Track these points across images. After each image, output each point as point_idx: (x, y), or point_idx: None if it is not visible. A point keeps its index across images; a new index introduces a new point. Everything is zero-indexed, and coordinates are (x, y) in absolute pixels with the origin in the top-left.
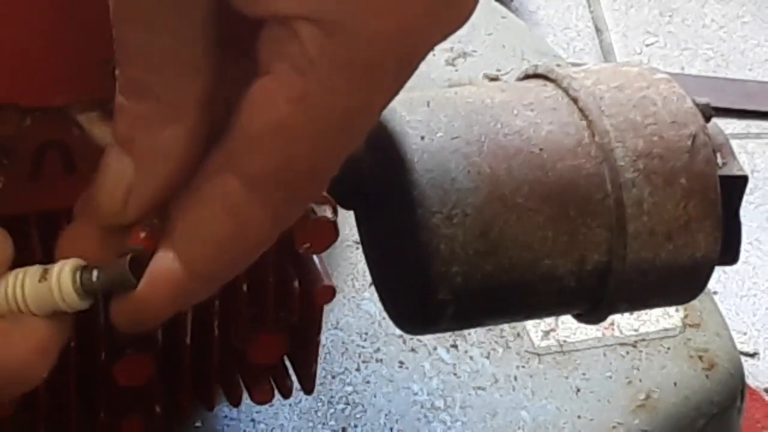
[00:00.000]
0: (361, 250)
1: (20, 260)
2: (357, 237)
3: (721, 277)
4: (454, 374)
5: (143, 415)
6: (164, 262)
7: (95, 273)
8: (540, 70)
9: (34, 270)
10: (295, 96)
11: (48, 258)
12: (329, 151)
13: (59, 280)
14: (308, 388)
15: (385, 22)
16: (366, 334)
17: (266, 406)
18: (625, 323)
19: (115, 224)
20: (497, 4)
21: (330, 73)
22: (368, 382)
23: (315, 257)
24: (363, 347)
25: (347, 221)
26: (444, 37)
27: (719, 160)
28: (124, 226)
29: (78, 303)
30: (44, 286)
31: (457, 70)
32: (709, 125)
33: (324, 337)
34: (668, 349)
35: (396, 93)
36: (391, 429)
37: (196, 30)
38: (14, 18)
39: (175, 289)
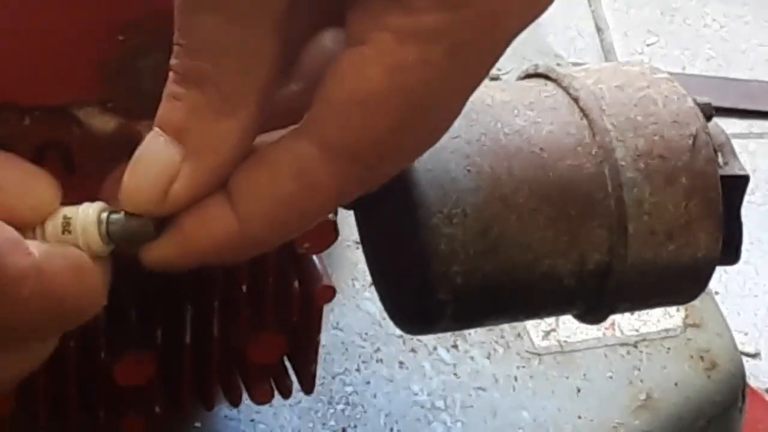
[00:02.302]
0: (361, 250)
1: None
2: (357, 237)
3: (722, 277)
4: (455, 374)
5: (143, 415)
6: (219, 208)
7: (117, 217)
8: (541, 70)
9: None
10: (393, 65)
11: None
12: (414, 131)
13: (84, 224)
14: (308, 388)
15: (497, 2)
16: (366, 334)
17: (266, 406)
18: (625, 323)
19: (146, 212)
20: None
21: (433, 46)
22: (368, 383)
23: (315, 257)
24: (363, 347)
25: (347, 221)
26: (531, 21)
27: (720, 160)
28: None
29: (101, 247)
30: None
31: None
32: (710, 125)
33: (324, 338)
34: (669, 349)
35: (483, 79)
36: (391, 429)
37: (270, 21)
38: (13, 18)
39: (223, 239)
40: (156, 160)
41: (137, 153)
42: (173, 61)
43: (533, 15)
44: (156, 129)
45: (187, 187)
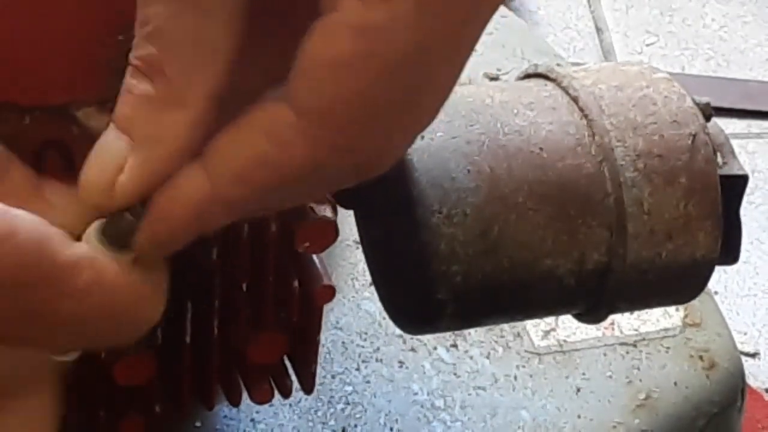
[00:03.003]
0: (361, 250)
1: None
2: (357, 237)
3: (721, 277)
4: (454, 374)
5: (143, 415)
6: (189, 176)
7: (106, 224)
8: (540, 70)
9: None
10: (360, 25)
11: None
12: (387, 95)
13: (87, 237)
14: (308, 387)
15: None
16: (366, 333)
17: (266, 405)
18: (625, 323)
19: (99, 206)
20: None
21: (401, 1)
22: (368, 382)
23: (315, 257)
24: (363, 347)
25: (347, 221)
26: None
27: (719, 160)
28: (108, 211)
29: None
30: None
31: None
32: (709, 125)
33: (324, 337)
34: (668, 348)
35: (466, 48)
36: (391, 429)
37: (226, 12)
38: (13, 17)
39: (197, 203)
40: (105, 152)
41: (94, 147)
42: (130, 53)
43: None
44: (111, 122)
45: (133, 178)
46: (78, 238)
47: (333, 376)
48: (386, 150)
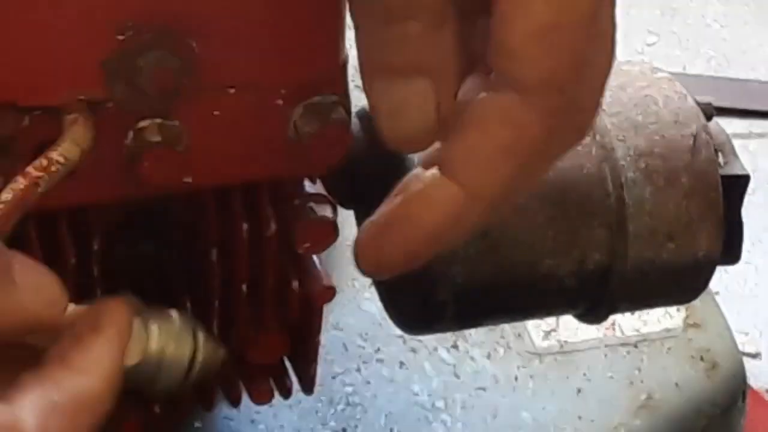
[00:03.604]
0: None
1: None
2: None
3: (722, 277)
4: (455, 374)
5: (143, 415)
6: (441, 187)
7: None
8: None
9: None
10: None
11: (46, 257)
12: (589, 42)
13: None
14: (308, 388)
15: None
16: (366, 334)
17: (266, 406)
18: (626, 323)
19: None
20: None
21: None
22: (368, 383)
23: (315, 257)
24: (363, 347)
25: (347, 221)
26: None
27: (721, 160)
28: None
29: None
30: None
31: None
32: (710, 124)
33: (324, 338)
34: (670, 349)
35: None
36: (392, 429)
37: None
38: (13, 18)
39: (454, 212)
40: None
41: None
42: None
43: None
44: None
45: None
46: None
47: (333, 377)
48: (600, 94)
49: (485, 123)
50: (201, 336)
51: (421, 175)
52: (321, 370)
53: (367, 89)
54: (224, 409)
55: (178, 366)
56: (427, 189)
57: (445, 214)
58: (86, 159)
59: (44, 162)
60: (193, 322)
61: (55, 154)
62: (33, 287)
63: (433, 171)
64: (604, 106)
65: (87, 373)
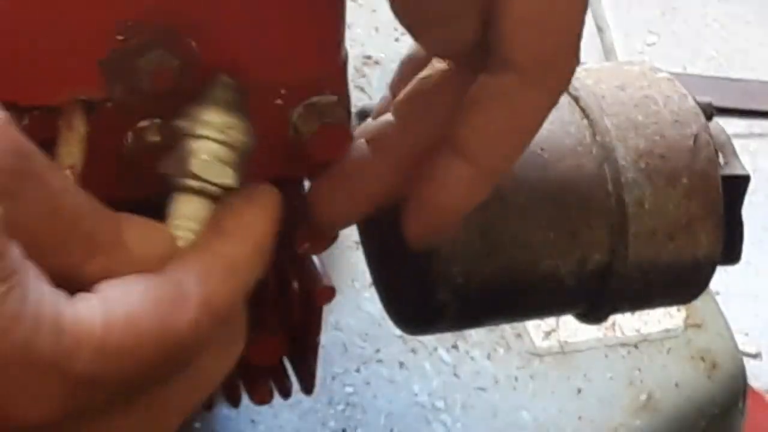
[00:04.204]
0: (361, 250)
1: None
2: (357, 237)
3: (723, 278)
4: (455, 375)
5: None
6: (453, 167)
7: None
8: None
9: None
10: None
11: None
12: (577, 20)
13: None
14: (308, 388)
15: None
16: (366, 334)
17: (266, 406)
18: (626, 324)
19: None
20: None
21: None
22: (368, 383)
23: (315, 258)
24: (363, 348)
25: None
26: None
27: (721, 160)
28: None
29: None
30: None
31: None
32: (710, 125)
33: (324, 338)
34: (670, 349)
35: None
36: (392, 430)
37: None
38: (13, 17)
39: (468, 189)
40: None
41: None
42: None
43: None
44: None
45: None
46: None
47: (333, 377)
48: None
49: (488, 105)
50: None
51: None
52: (321, 370)
53: None
54: (224, 409)
55: None
56: (441, 171)
57: (459, 194)
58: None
59: None
60: None
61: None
62: (141, 240)
63: (437, 159)
64: (604, 106)
65: (240, 239)
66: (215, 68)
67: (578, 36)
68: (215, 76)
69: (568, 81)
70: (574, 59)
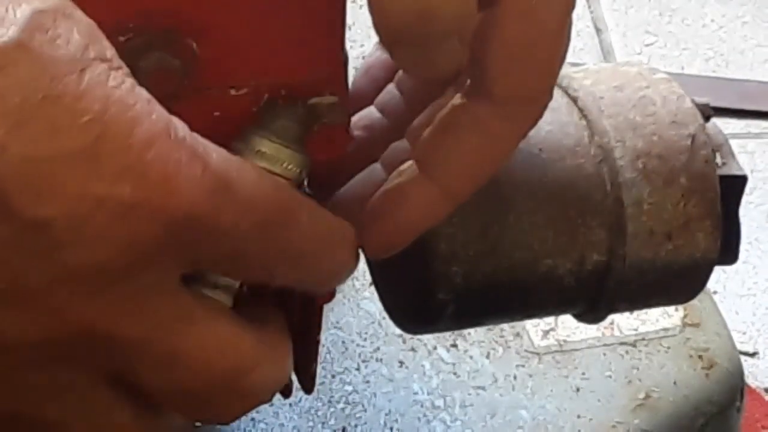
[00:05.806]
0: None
1: None
2: None
3: (720, 277)
4: (454, 374)
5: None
6: (417, 185)
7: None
8: None
9: None
10: (524, 12)
11: None
12: (557, 61)
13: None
14: (308, 387)
15: None
16: (366, 333)
17: (266, 405)
18: (624, 323)
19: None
20: None
21: None
22: (368, 382)
23: None
24: (363, 347)
25: None
26: None
27: (719, 160)
28: None
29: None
30: None
31: None
32: (708, 125)
33: (324, 337)
34: (668, 348)
35: None
36: (391, 428)
37: None
38: None
39: (428, 209)
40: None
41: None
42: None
43: None
44: None
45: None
46: None
47: (333, 376)
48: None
49: (460, 130)
50: None
51: (402, 169)
52: (321, 369)
53: None
54: None
55: None
56: (405, 186)
57: (418, 213)
58: None
59: None
60: None
61: None
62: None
63: (412, 166)
64: (602, 107)
65: None
66: (276, 96)
67: (556, 76)
68: (276, 104)
69: (540, 116)
70: (548, 97)
